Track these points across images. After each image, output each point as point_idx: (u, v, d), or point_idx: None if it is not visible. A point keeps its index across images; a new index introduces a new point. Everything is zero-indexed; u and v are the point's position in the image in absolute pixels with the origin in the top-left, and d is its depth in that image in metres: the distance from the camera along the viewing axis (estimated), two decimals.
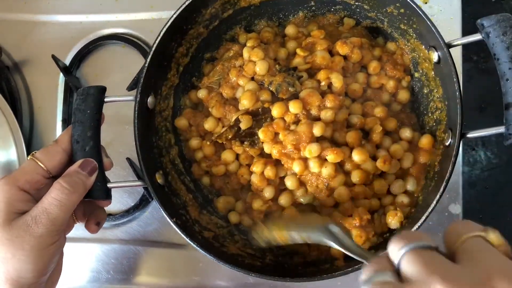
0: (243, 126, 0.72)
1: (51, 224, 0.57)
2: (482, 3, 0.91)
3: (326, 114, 0.70)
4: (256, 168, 0.73)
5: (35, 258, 0.56)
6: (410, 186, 0.71)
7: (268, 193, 0.73)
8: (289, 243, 0.63)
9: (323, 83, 0.73)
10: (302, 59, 0.75)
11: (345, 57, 0.75)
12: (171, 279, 0.84)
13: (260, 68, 0.73)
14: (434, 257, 0.38)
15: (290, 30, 0.78)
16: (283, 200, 0.73)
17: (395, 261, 0.40)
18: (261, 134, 0.71)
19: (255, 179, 0.74)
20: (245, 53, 0.75)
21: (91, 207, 0.68)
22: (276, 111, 0.70)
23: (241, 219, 0.76)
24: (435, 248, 0.39)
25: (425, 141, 0.72)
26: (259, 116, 0.72)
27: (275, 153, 0.71)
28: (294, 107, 0.70)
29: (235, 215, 0.76)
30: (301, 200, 0.73)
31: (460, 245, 0.39)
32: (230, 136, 0.74)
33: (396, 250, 0.40)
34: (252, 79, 0.75)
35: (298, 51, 0.75)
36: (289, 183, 0.72)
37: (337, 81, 0.72)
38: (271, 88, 0.72)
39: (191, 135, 0.78)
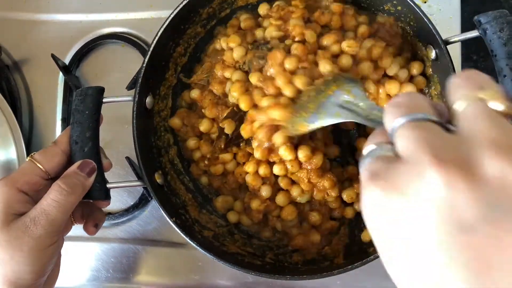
0: (228, 130, 0.72)
1: (49, 225, 0.57)
2: (482, 2, 0.90)
3: (290, 62, 0.65)
4: (248, 168, 0.73)
5: (33, 259, 0.56)
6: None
7: (265, 192, 0.73)
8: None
9: (296, 39, 0.69)
10: (274, 27, 0.72)
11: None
12: (170, 278, 0.84)
13: (237, 54, 0.71)
14: (430, 131, 0.32)
15: (262, 9, 0.76)
16: (280, 199, 0.73)
17: (389, 133, 0.35)
18: (242, 132, 0.70)
19: (249, 178, 0.73)
20: (223, 42, 0.74)
21: (89, 208, 0.68)
22: (242, 104, 0.69)
23: (240, 219, 0.76)
24: (433, 119, 0.34)
25: (416, 66, 0.70)
26: (238, 114, 0.72)
27: (258, 156, 0.70)
28: (252, 79, 0.68)
29: (234, 214, 0.76)
30: (299, 199, 0.73)
31: (457, 109, 0.33)
32: (222, 146, 0.74)
33: (390, 122, 0.35)
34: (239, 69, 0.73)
35: (272, 20, 0.72)
36: (282, 183, 0.73)
37: (310, 37, 0.68)
38: (245, 68, 0.71)
39: (187, 135, 0.77)
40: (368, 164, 0.35)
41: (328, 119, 0.59)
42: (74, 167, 0.61)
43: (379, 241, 0.34)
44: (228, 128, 0.72)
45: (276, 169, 0.71)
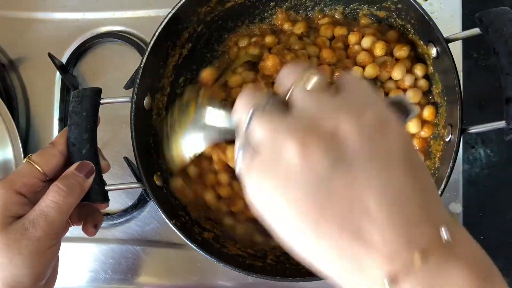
0: None
1: (48, 227, 0.56)
2: (483, 0, 0.90)
3: None
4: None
5: (32, 262, 0.56)
6: None
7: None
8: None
9: None
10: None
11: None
12: (169, 278, 0.83)
13: None
14: (274, 113, 0.38)
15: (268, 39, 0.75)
16: None
17: (245, 129, 0.40)
18: None
19: None
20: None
21: (87, 210, 0.67)
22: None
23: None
24: (274, 103, 0.40)
25: (428, 112, 0.70)
26: None
27: None
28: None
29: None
30: None
31: (290, 98, 0.40)
32: None
33: (241, 117, 0.40)
34: None
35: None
36: None
37: None
38: None
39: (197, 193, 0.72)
40: (239, 162, 0.41)
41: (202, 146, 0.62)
42: (72, 168, 0.60)
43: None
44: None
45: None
